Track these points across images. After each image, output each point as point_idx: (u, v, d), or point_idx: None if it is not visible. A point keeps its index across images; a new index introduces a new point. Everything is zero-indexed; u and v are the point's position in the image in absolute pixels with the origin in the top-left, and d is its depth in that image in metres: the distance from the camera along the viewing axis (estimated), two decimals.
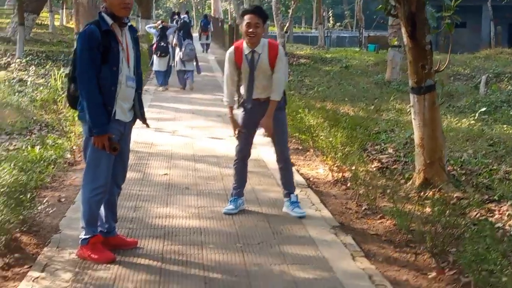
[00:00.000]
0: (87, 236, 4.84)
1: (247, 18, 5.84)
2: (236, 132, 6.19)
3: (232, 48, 6.07)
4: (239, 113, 6.18)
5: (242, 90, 6.09)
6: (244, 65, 5.94)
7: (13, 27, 25.98)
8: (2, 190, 4.96)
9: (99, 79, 4.62)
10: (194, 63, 16.35)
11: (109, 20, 4.71)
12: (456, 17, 6.61)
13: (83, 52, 4.60)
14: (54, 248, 5.03)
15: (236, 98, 6.16)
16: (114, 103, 4.74)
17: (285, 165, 6.23)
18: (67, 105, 6.27)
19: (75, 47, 4.85)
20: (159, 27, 16.16)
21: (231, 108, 6.15)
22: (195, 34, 28.30)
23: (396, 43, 8.01)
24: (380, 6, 7.08)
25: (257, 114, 6.06)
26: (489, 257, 4.28)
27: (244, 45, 5.94)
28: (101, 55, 4.62)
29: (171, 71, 16.41)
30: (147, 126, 5.24)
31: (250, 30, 5.82)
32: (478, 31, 34.31)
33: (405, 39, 6.97)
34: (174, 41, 16.39)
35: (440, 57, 12.09)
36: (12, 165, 5.65)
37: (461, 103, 13.95)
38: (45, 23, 37.14)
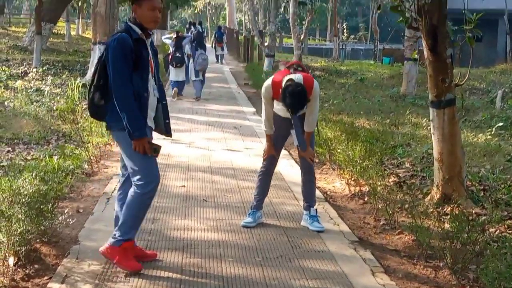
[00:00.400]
0: (123, 238, 4.83)
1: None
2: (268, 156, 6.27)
3: (269, 84, 5.96)
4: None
5: (274, 107, 6.10)
6: None
7: (30, 37, 26.22)
8: (23, 200, 4.98)
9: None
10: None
11: (138, 30, 4.78)
12: (477, 31, 6.59)
13: (117, 59, 4.63)
14: (74, 260, 5.04)
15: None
16: (147, 110, 4.81)
17: (308, 177, 6.24)
18: (88, 115, 6.30)
19: (99, 55, 4.86)
20: (173, 37, 16.32)
21: (270, 136, 6.18)
22: (209, 45, 28.43)
23: (416, 56, 7.98)
24: (401, 18, 7.05)
25: (287, 128, 6.15)
26: None
27: None
28: (132, 62, 4.67)
29: (187, 81, 16.49)
30: (170, 136, 5.24)
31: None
32: (494, 45, 34.23)
33: (425, 52, 6.94)
34: (188, 51, 16.51)
35: (456, 71, 11.98)
36: (33, 175, 5.66)
37: (477, 117, 13.86)
38: (61, 32, 37.45)
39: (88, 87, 4.96)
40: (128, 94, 4.63)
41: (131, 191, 4.83)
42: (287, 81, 5.73)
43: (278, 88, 5.82)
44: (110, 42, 4.72)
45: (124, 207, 4.86)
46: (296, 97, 5.62)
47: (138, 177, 4.79)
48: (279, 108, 6.06)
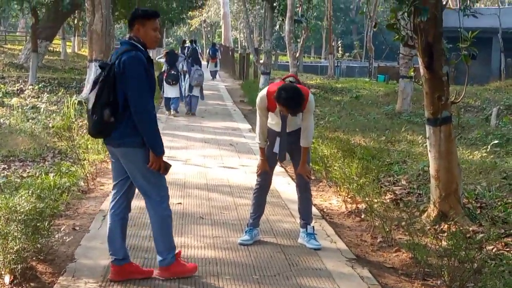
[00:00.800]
0: (172, 254, 5.02)
1: (280, 106, 5.75)
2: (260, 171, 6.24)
3: (264, 93, 5.98)
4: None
5: (268, 122, 6.11)
6: (277, 111, 5.94)
7: (26, 54, 26.25)
8: (19, 218, 4.95)
9: None
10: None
11: (143, 49, 4.86)
12: (473, 49, 6.62)
13: (140, 75, 4.70)
14: (70, 277, 5.00)
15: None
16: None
17: (304, 194, 6.23)
18: (84, 132, 6.29)
19: (106, 71, 4.77)
20: (164, 52, 16.62)
21: (263, 150, 6.17)
22: (204, 62, 28.59)
23: (412, 73, 8.03)
24: (397, 36, 7.08)
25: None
26: None
27: None
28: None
29: (182, 98, 16.60)
30: None
31: (284, 112, 5.84)
32: (488, 63, 34.35)
33: (421, 70, 6.98)
34: (184, 68, 16.65)
35: (451, 89, 11.92)
36: (29, 192, 5.64)
37: (472, 135, 13.89)
38: (57, 50, 37.52)
39: (91, 105, 4.80)
40: (151, 111, 4.73)
41: (152, 213, 4.96)
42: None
43: (272, 101, 5.83)
44: (126, 59, 4.70)
45: (154, 231, 5.01)
46: (290, 92, 5.64)
47: (153, 193, 4.91)
48: (273, 123, 6.07)
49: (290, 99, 5.64)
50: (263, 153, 6.19)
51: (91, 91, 4.84)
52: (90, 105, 4.79)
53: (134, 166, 4.87)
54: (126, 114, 4.72)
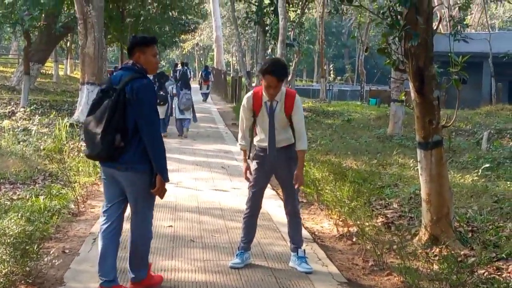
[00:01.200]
0: (146, 269, 5.19)
1: (266, 79, 5.76)
2: (248, 176, 6.17)
3: (250, 94, 6.02)
4: (251, 164, 6.15)
5: (255, 140, 6.10)
6: (263, 113, 5.93)
7: (18, 76, 26.27)
8: (8, 241, 4.91)
9: None
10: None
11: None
12: (464, 73, 6.66)
13: (152, 103, 4.89)
14: None
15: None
16: None
17: (294, 218, 6.20)
18: (76, 154, 6.27)
19: (115, 96, 4.77)
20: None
21: (245, 151, 6.17)
22: (195, 85, 28.75)
23: (404, 97, 8.08)
24: (388, 61, 7.11)
25: (271, 164, 6.04)
26: None
27: (264, 93, 5.90)
28: None
29: (169, 119, 16.69)
30: None
31: (270, 90, 5.81)
32: (478, 87, 34.52)
33: (412, 94, 7.01)
34: (174, 91, 16.77)
35: (442, 112, 11.86)
36: (19, 215, 5.61)
37: (464, 158, 13.91)
38: (50, 72, 37.58)
39: (100, 129, 4.76)
40: (161, 137, 4.90)
41: (138, 232, 5.08)
42: None
43: (259, 99, 5.88)
44: (140, 86, 4.79)
45: (133, 249, 5.12)
46: (274, 60, 5.87)
47: (144, 215, 5.05)
48: (258, 139, 6.06)
49: (274, 65, 5.77)
50: (245, 154, 6.20)
51: (90, 114, 4.87)
52: (98, 129, 4.76)
53: (137, 191, 4.96)
54: (135, 139, 4.80)
